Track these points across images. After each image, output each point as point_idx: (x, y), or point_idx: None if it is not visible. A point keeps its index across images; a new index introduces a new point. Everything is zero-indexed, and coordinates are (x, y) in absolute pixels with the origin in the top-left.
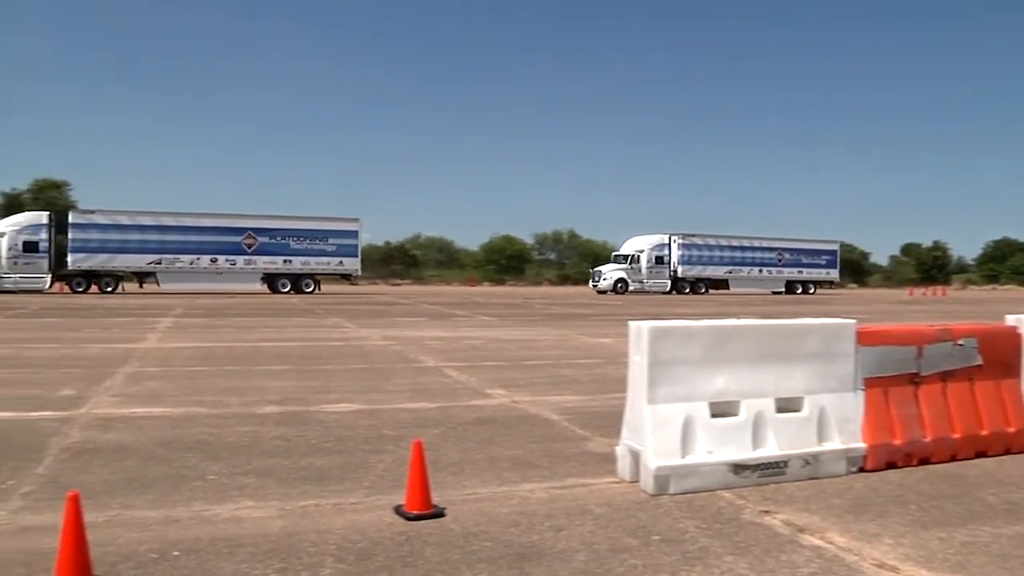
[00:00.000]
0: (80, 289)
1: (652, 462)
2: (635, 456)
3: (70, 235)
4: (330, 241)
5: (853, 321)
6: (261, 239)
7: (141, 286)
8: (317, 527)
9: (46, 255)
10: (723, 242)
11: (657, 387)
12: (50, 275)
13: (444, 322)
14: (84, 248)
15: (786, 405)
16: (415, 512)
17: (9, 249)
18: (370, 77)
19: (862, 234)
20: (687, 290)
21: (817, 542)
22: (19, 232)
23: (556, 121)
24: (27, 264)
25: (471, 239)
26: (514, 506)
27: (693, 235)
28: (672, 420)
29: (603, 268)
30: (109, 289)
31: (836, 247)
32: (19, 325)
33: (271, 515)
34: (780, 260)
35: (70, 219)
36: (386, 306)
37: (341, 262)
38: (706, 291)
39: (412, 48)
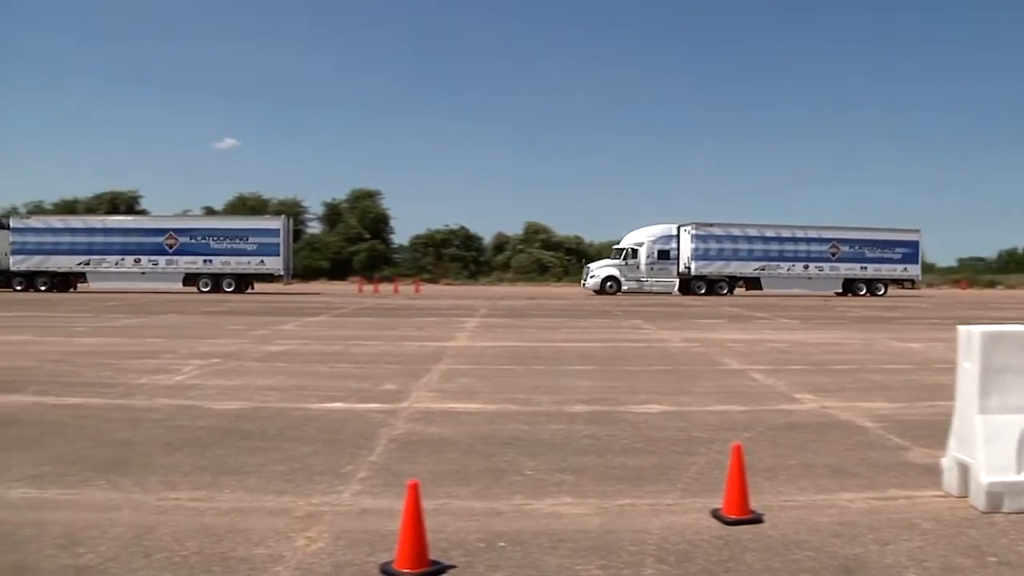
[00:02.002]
0: (19, 288)
1: (984, 477)
2: (963, 469)
3: (11, 239)
4: (251, 240)
5: None
6: (182, 239)
7: (73, 289)
8: (634, 526)
9: None
10: (752, 232)
11: (989, 396)
12: None
13: (744, 324)
14: (22, 251)
15: None
16: (733, 516)
17: None
18: (646, 79)
19: None
20: (702, 290)
21: None
22: None
23: (851, 119)
24: None
25: None
26: (834, 516)
27: (710, 225)
28: (1006, 432)
29: (592, 265)
30: (43, 288)
31: (916, 237)
32: (343, 324)
33: (588, 512)
34: (835, 254)
35: (11, 224)
36: (684, 308)
37: (262, 261)
38: (729, 292)
39: (686, 49)
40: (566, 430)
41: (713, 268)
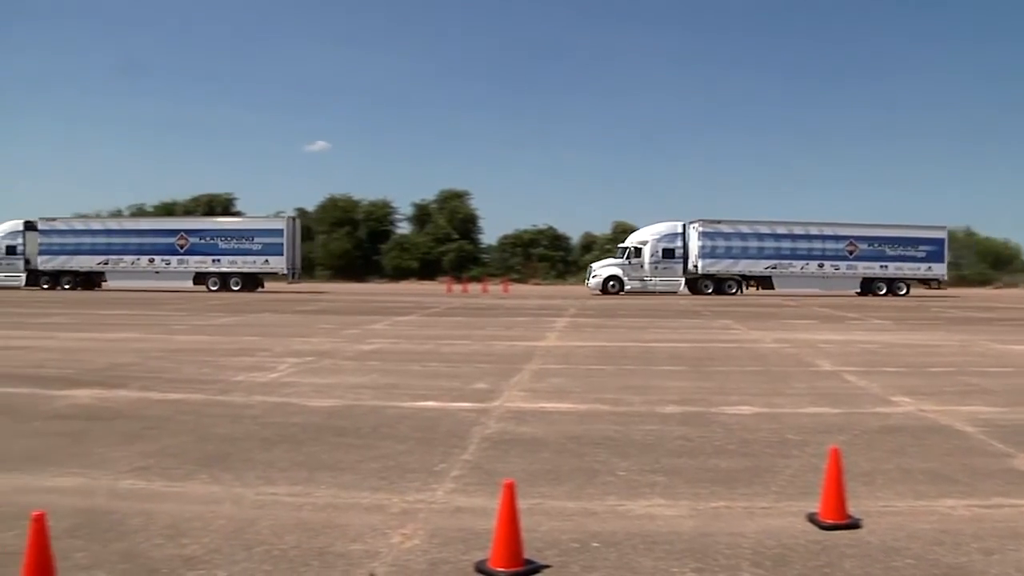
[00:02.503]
0: (46, 287)
1: None
2: None
3: (38, 240)
4: (256, 240)
5: None
6: (192, 240)
7: (98, 288)
8: (729, 529)
9: (22, 257)
10: (763, 229)
11: None
12: (25, 274)
13: (836, 325)
14: (48, 251)
15: None
16: (830, 521)
17: None
18: (739, 79)
19: None
20: (709, 290)
21: None
22: (2, 238)
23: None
24: (8, 264)
25: None
26: (935, 523)
27: (718, 222)
28: None
29: (595, 264)
30: (67, 287)
31: (942, 235)
32: (433, 323)
33: (682, 514)
34: (852, 252)
35: (38, 226)
36: (775, 308)
37: (267, 261)
38: (738, 291)
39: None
40: (658, 431)
41: (721, 267)
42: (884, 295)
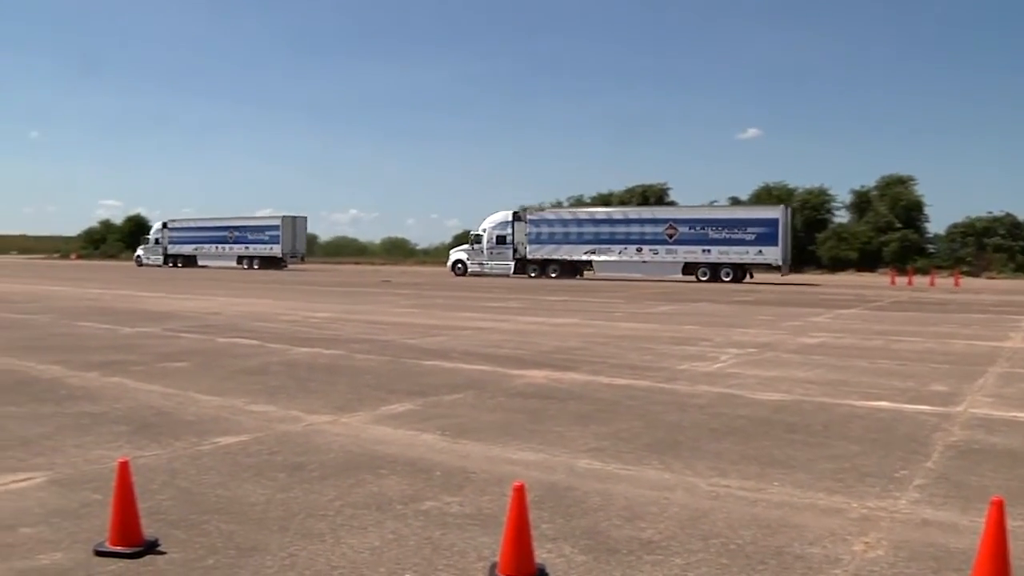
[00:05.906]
0: (171, 265)
1: None
2: None
3: (169, 235)
4: (266, 233)
5: None
6: (236, 233)
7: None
8: None
9: (161, 245)
10: (583, 216)
11: None
12: (163, 257)
13: None
14: (172, 241)
15: None
16: None
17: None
18: None
19: None
20: (535, 274)
21: None
22: (152, 234)
23: None
24: (154, 250)
25: None
26: None
27: (542, 210)
28: None
29: (453, 249)
30: (180, 265)
31: (776, 215)
32: (878, 318)
33: None
34: (672, 236)
35: (168, 224)
36: None
37: (271, 248)
38: (559, 275)
39: None
40: None
41: (544, 252)
42: (707, 281)
